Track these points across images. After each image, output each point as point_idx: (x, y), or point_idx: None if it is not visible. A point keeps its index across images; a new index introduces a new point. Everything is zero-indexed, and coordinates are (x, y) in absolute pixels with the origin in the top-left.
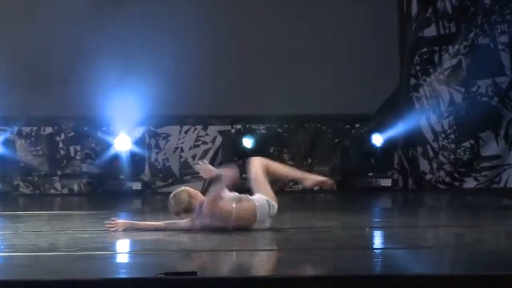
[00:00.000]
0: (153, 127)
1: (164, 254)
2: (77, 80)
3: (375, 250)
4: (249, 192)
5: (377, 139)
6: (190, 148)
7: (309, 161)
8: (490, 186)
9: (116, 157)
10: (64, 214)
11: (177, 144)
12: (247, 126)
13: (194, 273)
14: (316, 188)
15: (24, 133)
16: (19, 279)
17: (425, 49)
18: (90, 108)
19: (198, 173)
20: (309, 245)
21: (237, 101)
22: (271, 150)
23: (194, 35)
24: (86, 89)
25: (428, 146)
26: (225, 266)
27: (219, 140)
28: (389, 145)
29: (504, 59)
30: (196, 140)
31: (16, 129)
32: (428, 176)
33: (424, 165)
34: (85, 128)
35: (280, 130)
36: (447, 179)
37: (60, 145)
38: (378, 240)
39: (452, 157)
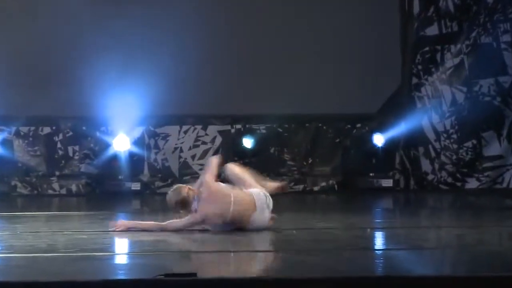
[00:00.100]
0: (152, 127)
1: (164, 255)
2: (76, 79)
3: (376, 251)
4: None
5: (379, 139)
6: (190, 148)
7: (310, 161)
8: (492, 186)
9: (115, 157)
10: (63, 215)
11: (176, 144)
12: (247, 126)
13: (194, 274)
14: (316, 188)
15: (22, 133)
16: (17, 281)
17: (427, 48)
18: (88, 107)
19: (197, 173)
20: (309, 246)
21: (237, 100)
22: (272, 150)
23: (194, 35)
24: (85, 89)
25: (430, 146)
26: (225, 267)
27: (219, 140)
28: (391, 145)
29: (506, 58)
30: (196, 140)
31: (14, 129)
32: (430, 177)
33: (426, 165)
34: (84, 128)
35: (280, 130)
36: (449, 180)
37: (58, 145)
38: (379, 241)
39: (454, 157)
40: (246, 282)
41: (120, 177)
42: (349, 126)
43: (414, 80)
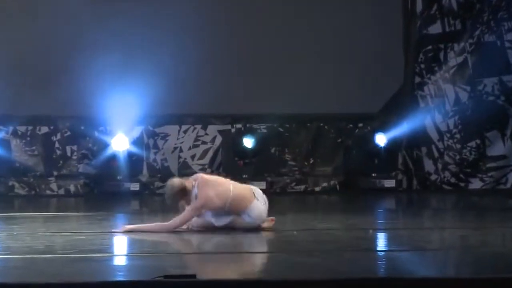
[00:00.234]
0: (151, 127)
1: (163, 256)
2: (74, 78)
3: (379, 252)
4: None
5: (381, 139)
6: (189, 148)
7: (311, 161)
8: (496, 187)
9: (113, 157)
10: (60, 216)
11: (176, 144)
12: (247, 125)
13: (193, 275)
14: (318, 189)
15: (19, 133)
16: (14, 282)
17: (430, 47)
18: (87, 107)
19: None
20: (311, 247)
21: (237, 100)
22: (272, 150)
23: (194, 35)
24: (83, 88)
25: (433, 146)
26: (225, 268)
27: (219, 140)
28: (393, 145)
29: (511, 57)
30: (196, 140)
31: (11, 128)
32: (433, 177)
33: (429, 165)
34: (82, 128)
35: (281, 130)
36: (453, 180)
37: (56, 145)
38: (381, 242)
39: (457, 157)
40: (245, 283)
41: (119, 177)
42: (351, 125)
43: (417, 79)
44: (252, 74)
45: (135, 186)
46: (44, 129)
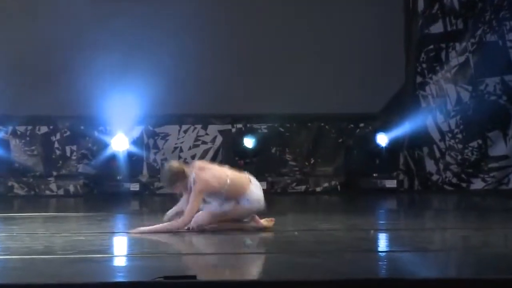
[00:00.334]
0: (151, 127)
1: (163, 257)
2: (74, 78)
3: (380, 253)
4: None
5: (382, 139)
6: (190, 148)
7: (312, 161)
8: (498, 187)
9: (113, 158)
10: (60, 216)
11: (176, 144)
12: (248, 125)
13: (194, 276)
14: (319, 189)
15: (18, 133)
16: (13, 283)
17: (431, 46)
18: (86, 107)
19: None
20: (311, 247)
21: (238, 100)
22: (273, 150)
23: (194, 35)
24: (83, 88)
25: (435, 146)
26: (225, 269)
27: (219, 140)
28: (395, 145)
29: None
30: (196, 139)
31: (10, 128)
32: (435, 177)
33: (430, 165)
34: (82, 128)
35: (282, 130)
36: (454, 180)
37: (56, 145)
38: (383, 242)
39: (459, 157)
40: (246, 284)
41: (118, 177)
42: (352, 125)
43: (419, 79)
44: (253, 74)
45: (135, 187)
46: (44, 129)
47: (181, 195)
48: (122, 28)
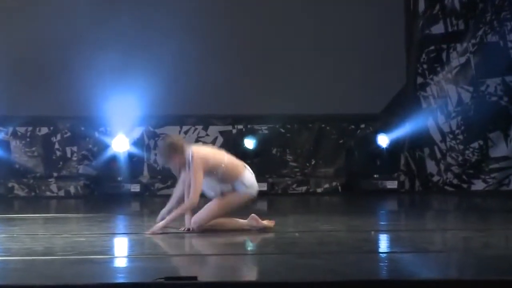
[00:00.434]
0: (152, 128)
1: (164, 258)
2: (74, 78)
3: (381, 254)
4: None
5: (383, 140)
6: None
7: (313, 162)
8: (499, 188)
9: (114, 159)
10: (60, 217)
11: None
12: (248, 126)
13: (195, 277)
14: (319, 190)
15: (19, 134)
16: (14, 284)
17: (432, 47)
18: (87, 107)
19: None
20: (312, 248)
21: (238, 100)
22: (274, 151)
23: (194, 35)
24: (83, 88)
25: (436, 147)
26: (226, 270)
27: (220, 140)
28: (395, 146)
29: None
30: (196, 140)
31: (10, 129)
32: (436, 178)
33: (431, 166)
34: (82, 129)
35: (282, 131)
36: (455, 181)
37: (56, 146)
38: (384, 243)
39: (460, 158)
40: (247, 285)
41: (119, 178)
42: (353, 126)
43: (419, 80)
44: (253, 75)
45: (135, 188)
46: (44, 130)
47: (175, 172)
48: (122, 28)
